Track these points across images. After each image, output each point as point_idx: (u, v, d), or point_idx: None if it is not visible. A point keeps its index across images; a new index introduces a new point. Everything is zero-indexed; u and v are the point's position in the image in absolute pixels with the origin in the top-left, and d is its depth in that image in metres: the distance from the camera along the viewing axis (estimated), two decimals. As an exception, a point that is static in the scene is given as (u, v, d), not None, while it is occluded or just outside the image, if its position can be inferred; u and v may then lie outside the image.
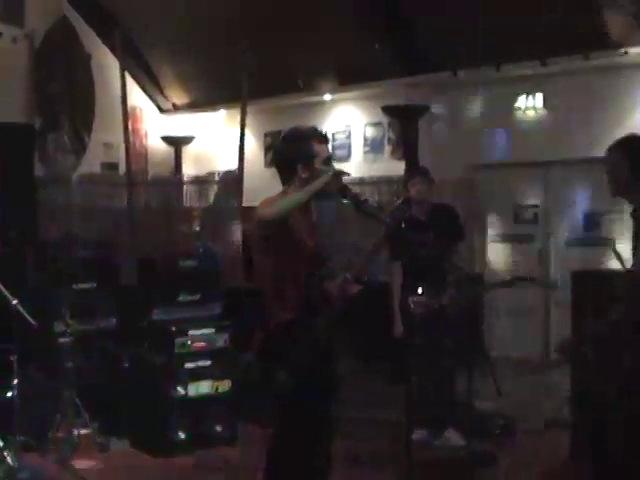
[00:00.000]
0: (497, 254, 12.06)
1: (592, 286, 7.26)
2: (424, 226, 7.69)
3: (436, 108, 12.10)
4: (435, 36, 11.14)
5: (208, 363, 7.90)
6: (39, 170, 12.61)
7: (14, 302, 6.97)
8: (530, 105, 11.56)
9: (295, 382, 4.83)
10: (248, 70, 11.73)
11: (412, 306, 7.61)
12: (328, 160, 5.11)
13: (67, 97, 13.56)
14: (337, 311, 5.00)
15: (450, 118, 12.12)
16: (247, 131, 13.05)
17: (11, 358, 7.08)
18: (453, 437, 7.65)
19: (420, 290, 7.59)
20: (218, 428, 7.87)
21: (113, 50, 13.74)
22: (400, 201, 7.49)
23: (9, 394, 7.16)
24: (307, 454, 4.96)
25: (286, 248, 4.86)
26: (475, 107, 12.12)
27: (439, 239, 7.56)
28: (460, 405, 7.66)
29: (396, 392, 8.54)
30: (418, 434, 7.65)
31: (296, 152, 5.04)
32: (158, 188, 14.37)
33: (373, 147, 13.19)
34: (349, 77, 12.41)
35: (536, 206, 11.76)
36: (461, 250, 8.33)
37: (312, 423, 4.94)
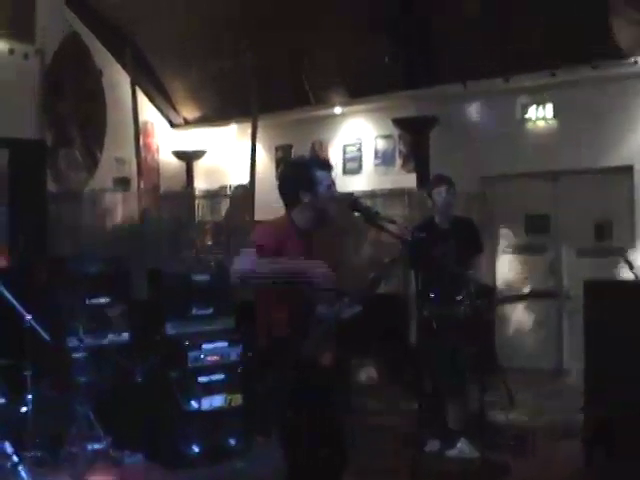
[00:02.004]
0: (508, 265, 12.03)
1: (604, 296, 7.27)
2: (446, 235, 7.70)
3: (446, 120, 12.08)
4: (445, 48, 11.16)
5: (221, 377, 7.90)
6: (51, 186, 12.63)
7: (27, 317, 7.00)
8: (540, 116, 11.56)
9: (281, 396, 5.02)
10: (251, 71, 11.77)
11: (426, 315, 7.59)
12: (329, 187, 5.15)
13: (78, 113, 13.62)
14: (328, 331, 5.09)
15: (460, 130, 12.11)
16: (258, 145, 13.11)
17: (25, 373, 7.10)
18: (466, 448, 7.63)
19: (434, 298, 7.56)
20: (232, 441, 7.87)
21: (124, 66, 13.82)
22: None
23: (23, 409, 7.18)
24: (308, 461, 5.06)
25: None
26: (485, 118, 12.12)
27: (459, 249, 7.57)
28: (473, 416, 7.64)
29: (409, 402, 8.63)
30: (431, 445, 7.66)
31: (299, 179, 5.19)
32: (170, 202, 14.41)
33: (384, 159, 13.19)
34: (360, 90, 12.43)
35: (547, 216, 11.73)
36: (479, 264, 8.30)
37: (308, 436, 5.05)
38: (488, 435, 7.26)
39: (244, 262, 4.96)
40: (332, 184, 5.19)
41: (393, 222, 5.38)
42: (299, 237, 5.17)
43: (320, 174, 5.14)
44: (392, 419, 8.74)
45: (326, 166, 5.26)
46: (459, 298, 7.43)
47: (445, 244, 7.66)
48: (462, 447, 7.65)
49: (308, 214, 5.18)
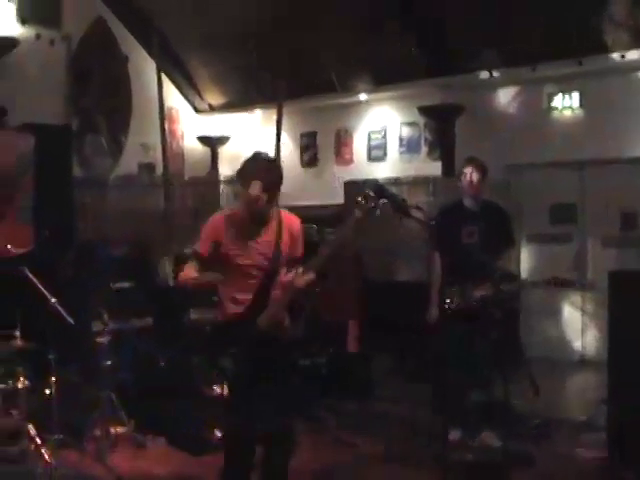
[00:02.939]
0: (533, 255, 11.99)
1: (629, 286, 7.23)
2: (475, 217, 7.67)
3: (472, 108, 12.04)
4: (471, 36, 11.11)
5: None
6: (76, 171, 12.66)
7: (52, 301, 7.04)
8: (567, 105, 11.51)
9: (236, 370, 5.54)
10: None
11: (449, 301, 7.55)
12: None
13: (104, 99, 13.65)
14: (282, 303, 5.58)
15: (486, 118, 12.07)
16: (283, 131, 13.09)
17: (49, 357, 7.15)
18: (489, 438, 7.61)
19: (458, 283, 7.52)
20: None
21: (149, 52, 13.81)
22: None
23: (47, 392, 7.23)
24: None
25: (224, 268, 5.64)
26: (511, 107, 12.07)
27: (488, 234, 7.54)
28: (497, 405, 7.61)
29: (431, 391, 8.62)
30: (454, 434, 7.64)
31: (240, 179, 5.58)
32: (195, 188, 14.44)
33: (409, 147, 13.17)
34: (385, 77, 12.40)
35: (573, 206, 11.67)
36: (509, 256, 8.24)
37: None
38: (512, 425, 7.23)
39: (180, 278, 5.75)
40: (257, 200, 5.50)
41: (419, 209, 5.39)
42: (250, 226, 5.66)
43: (254, 184, 5.44)
44: (412, 408, 8.71)
45: (263, 178, 5.49)
46: (484, 284, 7.37)
47: (473, 226, 7.64)
48: (485, 437, 7.64)
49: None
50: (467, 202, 7.84)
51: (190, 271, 5.66)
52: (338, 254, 5.47)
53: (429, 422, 7.93)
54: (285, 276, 5.50)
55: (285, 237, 5.67)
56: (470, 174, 7.79)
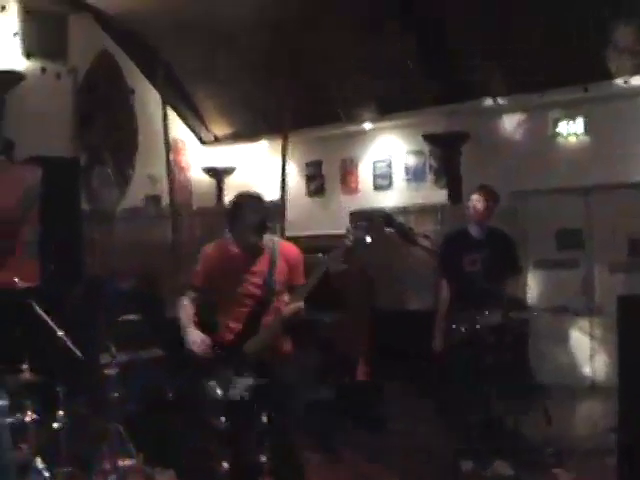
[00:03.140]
0: (540, 281, 11.96)
1: (638, 311, 7.19)
2: (480, 245, 7.66)
3: (476, 135, 12.05)
4: (475, 63, 11.15)
5: (252, 393, 7.88)
6: (84, 204, 12.68)
7: (60, 334, 7.04)
8: (572, 131, 11.52)
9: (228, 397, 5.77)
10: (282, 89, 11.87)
11: (456, 328, 7.53)
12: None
13: (110, 131, 13.69)
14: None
15: (491, 145, 12.08)
16: (289, 161, 13.13)
17: (57, 390, 7.13)
18: (502, 467, 7.54)
19: (464, 310, 7.50)
20: (262, 458, 7.84)
21: (155, 84, 13.88)
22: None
23: (55, 425, 7.21)
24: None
25: (219, 298, 6.00)
26: (516, 133, 12.08)
27: (494, 262, 7.52)
28: (508, 434, 7.56)
29: (442, 421, 8.57)
30: (465, 465, 7.58)
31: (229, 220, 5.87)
32: (202, 219, 14.44)
33: (415, 175, 13.17)
34: (389, 106, 12.44)
35: (579, 232, 11.65)
36: (516, 282, 8.23)
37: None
38: (524, 454, 7.18)
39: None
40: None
41: (427, 237, 5.44)
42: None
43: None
44: (423, 439, 8.66)
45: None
46: (490, 311, 7.36)
47: (477, 254, 7.63)
48: (498, 466, 7.57)
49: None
50: (472, 230, 7.83)
51: (185, 311, 5.96)
52: (350, 285, 5.62)
53: (442, 452, 7.89)
54: (280, 303, 5.74)
55: (281, 266, 5.82)
56: (476, 201, 7.79)
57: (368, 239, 5.57)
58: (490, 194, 7.87)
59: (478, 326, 7.37)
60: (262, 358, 5.75)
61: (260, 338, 5.76)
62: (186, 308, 5.97)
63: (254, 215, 5.69)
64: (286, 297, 5.76)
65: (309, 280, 5.71)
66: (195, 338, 5.82)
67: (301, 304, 5.63)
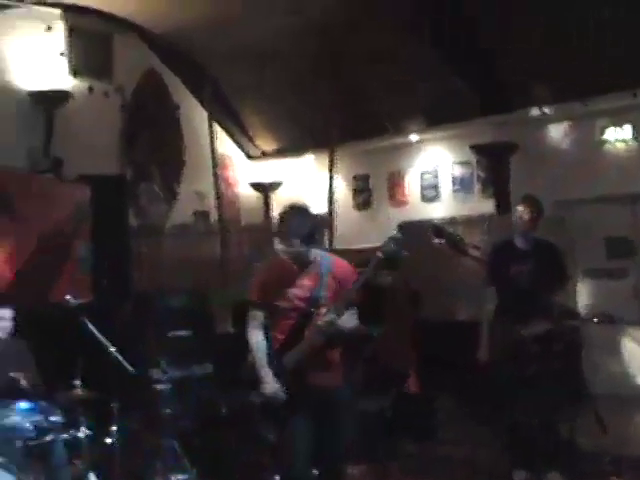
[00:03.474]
0: (589, 290, 11.85)
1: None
2: (526, 257, 7.62)
3: (523, 144, 12.00)
4: (521, 73, 11.10)
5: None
6: (132, 221, 12.75)
7: (112, 350, 7.08)
8: (619, 137, 11.43)
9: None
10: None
11: (505, 339, 7.49)
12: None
13: (157, 147, 13.78)
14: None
15: (538, 154, 12.02)
16: (335, 175, 13.14)
17: (110, 405, 7.17)
18: (556, 478, 7.47)
19: (512, 321, 7.46)
20: (315, 472, 7.83)
21: (201, 100, 13.96)
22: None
23: (109, 441, 7.25)
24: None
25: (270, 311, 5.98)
26: (563, 142, 12.01)
27: (540, 272, 7.48)
28: (563, 444, 7.48)
29: (495, 430, 8.50)
30: (519, 475, 7.52)
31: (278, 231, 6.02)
32: (250, 235, 14.47)
33: (462, 186, 13.12)
34: (436, 117, 12.41)
35: (629, 240, 11.53)
36: (565, 292, 8.17)
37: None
38: (579, 464, 7.10)
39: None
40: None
41: (477, 248, 5.41)
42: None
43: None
44: (474, 449, 8.60)
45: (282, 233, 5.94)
46: (537, 320, 7.33)
47: (524, 265, 7.59)
48: (552, 478, 7.49)
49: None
50: (518, 241, 7.79)
51: (258, 345, 5.96)
52: (394, 297, 5.62)
53: (492, 463, 7.83)
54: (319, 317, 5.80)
55: (330, 282, 5.87)
56: (521, 212, 7.76)
57: (403, 251, 5.62)
58: (534, 204, 7.82)
59: (524, 335, 7.34)
60: (306, 370, 5.80)
61: (299, 350, 5.80)
62: (258, 339, 5.99)
63: (302, 225, 5.79)
64: (323, 310, 5.79)
65: (347, 294, 5.77)
66: (269, 386, 5.82)
67: (332, 317, 5.67)
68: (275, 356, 5.87)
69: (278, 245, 5.96)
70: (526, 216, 7.71)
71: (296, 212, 5.94)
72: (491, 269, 7.82)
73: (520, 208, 7.77)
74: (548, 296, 7.48)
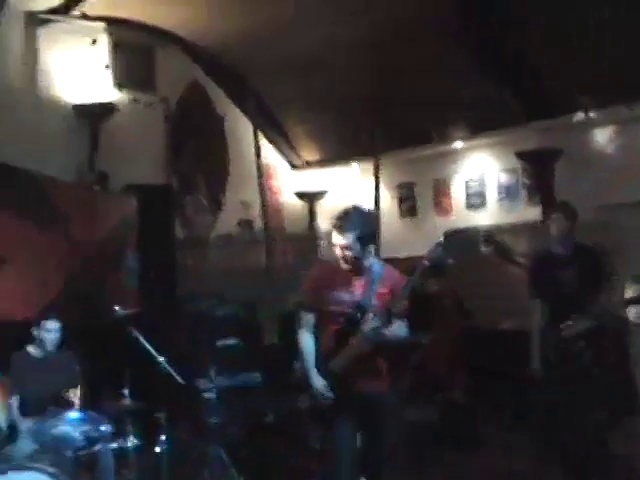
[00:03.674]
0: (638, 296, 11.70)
1: None
2: (567, 263, 7.58)
3: (568, 150, 11.91)
4: (564, 78, 11.04)
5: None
6: (178, 231, 12.83)
7: (161, 360, 7.13)
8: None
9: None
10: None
11: (552, 348, 7.45)
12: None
13: (202, 158, 13.86)
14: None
15: (583, 159, 11.92)
16: (380, 183, 13.13)
17: (158, 415, 7.22)
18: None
19: (559, 329, 7.43)
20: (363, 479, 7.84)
21: (245, 111, 14.02)
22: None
23: (157, 450, 7.29)
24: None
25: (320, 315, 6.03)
26: (608, 147, 11.91)
27: (582, 278, 7.44)
28: (611, 457, 7.39)
29: (540, 442, 8.43)
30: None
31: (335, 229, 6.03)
32: (295, 244, 14.50)
33: (508, 193, 13.02)
34: (480, 125, 12.37)
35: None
36: (608, 294, 8.11)
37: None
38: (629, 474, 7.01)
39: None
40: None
41: (526, 256, 5.42)
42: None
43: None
44: (521, 461, 8.50)
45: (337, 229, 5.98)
46: (581, 320, 7.30)
47: (566, 271, 7.55)
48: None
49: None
50: (557, 247, 7.76)
51: (307, 349, 6.02)
52: (442, 304, 5.65)
53: (539, 475, 7.77)
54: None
55: (382, 289, 5.91)
56: (556, 219, 7.74)
57: (449, 259, 5.65)
58: (569, 211, 7.82)
59: (566, 336, 7.31)
60: (352, 376, 5.84)
61: (345, 356, 5.83)
62: (308, 342, 6.04)
63: (361, 223, 5.87)
64: (369, 316, 5.82)
65: (394, 301, 5.81)
66: (319, 389, 5.86)
67: (377, 324, 5.72)
68: (322, 360, 5.89)
69: (335, 238, 5.94)
70: (562, 223, 7.70)
71: (357, 210, 6.02)
72: (534, 277, 7.84)
73: (555, 215, 7.77)
74: (591, 299, 7.45)
